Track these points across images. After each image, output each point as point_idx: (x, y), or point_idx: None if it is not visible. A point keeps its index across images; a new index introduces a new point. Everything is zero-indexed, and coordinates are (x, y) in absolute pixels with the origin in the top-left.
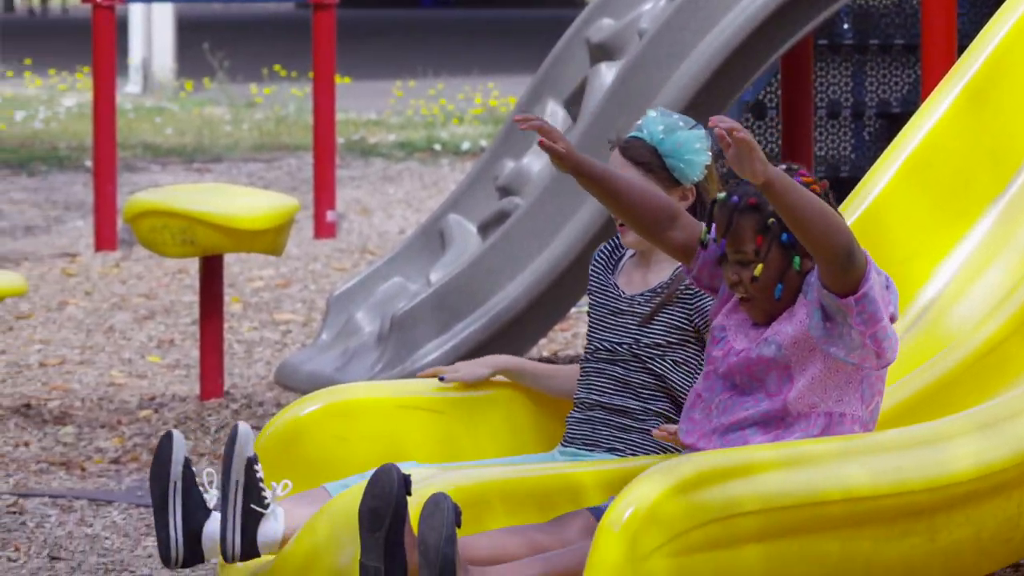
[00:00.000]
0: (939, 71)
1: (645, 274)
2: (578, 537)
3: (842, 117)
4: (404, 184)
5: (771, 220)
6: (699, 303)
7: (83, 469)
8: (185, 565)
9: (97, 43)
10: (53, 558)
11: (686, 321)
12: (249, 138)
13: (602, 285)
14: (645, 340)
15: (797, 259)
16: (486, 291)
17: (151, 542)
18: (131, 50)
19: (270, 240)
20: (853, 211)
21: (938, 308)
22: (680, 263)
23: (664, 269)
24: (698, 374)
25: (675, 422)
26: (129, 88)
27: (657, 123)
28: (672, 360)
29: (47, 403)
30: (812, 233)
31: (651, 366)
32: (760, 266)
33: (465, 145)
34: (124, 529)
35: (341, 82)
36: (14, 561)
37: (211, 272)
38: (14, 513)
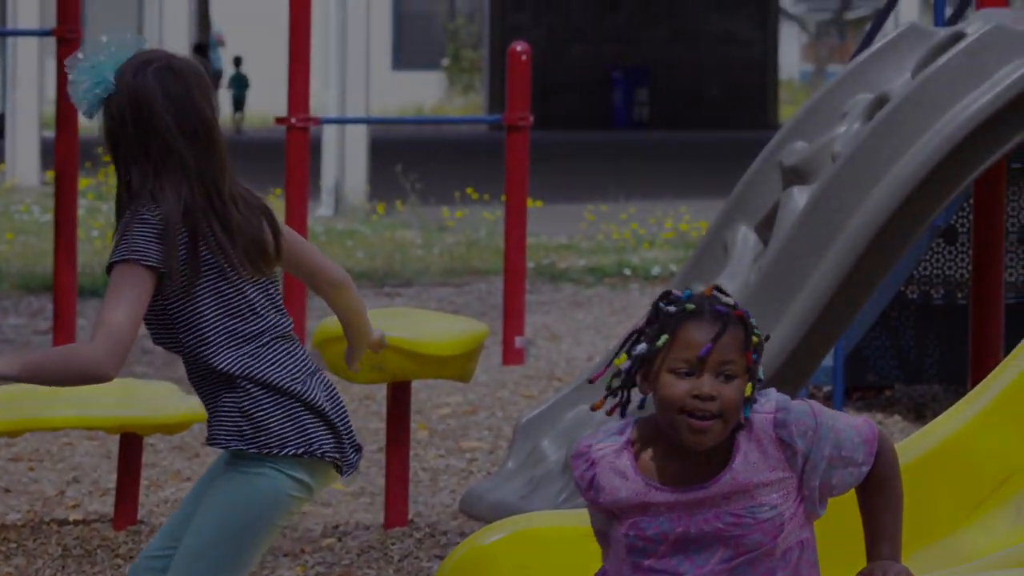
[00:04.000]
0: None
1: None
2: None
3: None
4: (593, 310)
5: (754, 337)
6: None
7: None
8: None
9: (290, 164)
10: None
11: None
12: (440, 262)
13: None
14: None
15: (750, 385)
16: None
17: None
18: (323, 172)
19: (459, 366)
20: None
21: None
22: None
23: None
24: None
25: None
26: (321, 211)
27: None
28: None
29: None
30: None
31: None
32: (749, 384)
33: (655, 270)
34: None
35: (533, 206)
36: None
37: (399, 398)
38: None
